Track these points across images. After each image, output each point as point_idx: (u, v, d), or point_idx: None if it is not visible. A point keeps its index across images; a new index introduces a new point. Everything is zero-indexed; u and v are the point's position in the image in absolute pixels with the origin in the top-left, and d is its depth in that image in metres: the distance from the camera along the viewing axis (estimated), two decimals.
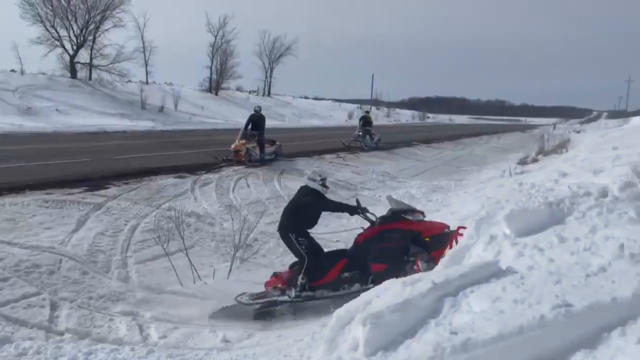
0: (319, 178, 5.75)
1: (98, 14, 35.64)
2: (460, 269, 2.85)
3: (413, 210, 5.73)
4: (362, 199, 11.84)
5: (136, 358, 4.50)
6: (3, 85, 26.83)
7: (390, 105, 75.49)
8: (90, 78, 35.36)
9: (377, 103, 69.93)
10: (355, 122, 26.02)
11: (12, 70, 32.10)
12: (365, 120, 21.11)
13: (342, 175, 14.04)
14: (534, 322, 2.01)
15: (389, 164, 17.46)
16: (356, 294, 3.63)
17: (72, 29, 35.06)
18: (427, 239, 5.33)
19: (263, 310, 5.62)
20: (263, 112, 14.90)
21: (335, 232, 8.49)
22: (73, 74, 34.73)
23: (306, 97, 70.46)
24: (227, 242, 7.42)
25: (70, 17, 34.67)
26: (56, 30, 34.47)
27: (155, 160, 13.24)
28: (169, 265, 6.32)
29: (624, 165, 6.03)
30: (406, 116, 71.02)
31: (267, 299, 5.67)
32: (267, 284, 5.83)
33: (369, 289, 4.71)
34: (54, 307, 5.24)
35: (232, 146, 13.73)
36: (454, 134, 35.15)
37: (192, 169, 11.95)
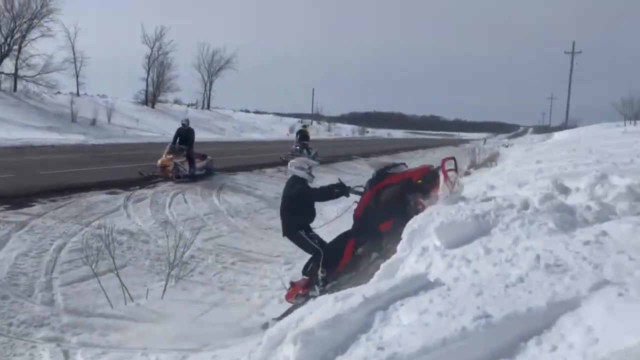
0: (307, 167, 5.77)
1: (24, 22, 33.95)
2: (390, 282, 2.90)
3: (395, 165, 5.85)
4: None
5: None
6: None
7: (331, 119, 76.75)
8: (15, 89, 33.38)
9: (318, 117, 70.83)
10: None
11: None
12: (303, 135, 21.18)
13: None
14: (456, 334, 2.07)
15: (329, 178, 17.45)
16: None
17: None
18: (419, 182, 5.43)
19: None
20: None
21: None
22: None
23: (247, 111, 70.27)
24: (162, 260, 7.16)
25: None
26: None
27: (85, 175, 12.62)
28: (99, 286, 6.02)
29: (545, 178, 6.44)
30: (346, 130, 72.29)
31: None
32: (288, 297, 5.81)
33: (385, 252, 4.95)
34: None
35: (159, 161, 13.10)
36: (391, 148, 36.14)
37: (126, 185, 11.51)
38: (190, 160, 13.66)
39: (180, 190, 11.72)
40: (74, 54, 40.66)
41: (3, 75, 33.63)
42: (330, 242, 5.75)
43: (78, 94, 40.42)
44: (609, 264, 2.59)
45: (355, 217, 5.74)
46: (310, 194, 5.78)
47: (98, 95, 45.96)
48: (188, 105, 54.57)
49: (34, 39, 34.63)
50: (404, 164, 5.92)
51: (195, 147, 14.42)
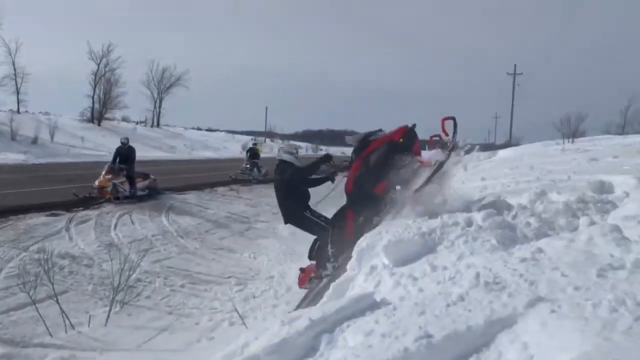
0: (295, 151, 6.00)
1: None
2: (337, 304, 2.90)
3: (373, 132, 5.97)
4: (256, 232, 11.72)
5: None
6: None
7: (285, 137, 76.71)
8: None
9: (271, 135, 70.78)
10: None
11: None
12: (253, 152, 21.09)
13: (236, 209, 13.83)
14: (398, 355, 2.09)
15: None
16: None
17: None
18: (400, 141, 5.61)
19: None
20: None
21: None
22: None
23: (199, 129, 69.20)
24: (107, 284, 6.87)
25: None
26: None
27: (25, 197, 12.03)
28: (37, 314, 5.70)
29: (489, 195, 6.66)
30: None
31: (313, 292, 5.46)
32: (300, 283, 5.93)
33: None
34: None
35: (96, 182, 12.56)
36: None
37: (68, 206, 11.06)
38: (131, 180, 13.20)
39: (127, 211, 11.35)
40: (14, 69, 39.10)
41: None
42: (331, 218, 5.95)
43: (19, 112, 38.63)
44: (543, 281, 2.69)
45: (347, 192, 5.89)
46: (300, 179, 5.97)
47: (40, 112, 44.10)
48: (137, 123, 53.18)
49: None
50: (381, 129, 6.09)
51: (144, 166, 14.08)
